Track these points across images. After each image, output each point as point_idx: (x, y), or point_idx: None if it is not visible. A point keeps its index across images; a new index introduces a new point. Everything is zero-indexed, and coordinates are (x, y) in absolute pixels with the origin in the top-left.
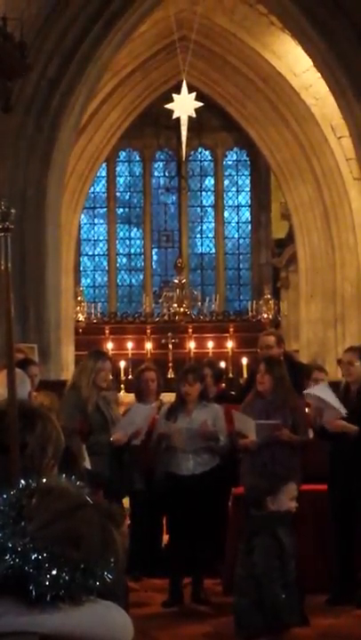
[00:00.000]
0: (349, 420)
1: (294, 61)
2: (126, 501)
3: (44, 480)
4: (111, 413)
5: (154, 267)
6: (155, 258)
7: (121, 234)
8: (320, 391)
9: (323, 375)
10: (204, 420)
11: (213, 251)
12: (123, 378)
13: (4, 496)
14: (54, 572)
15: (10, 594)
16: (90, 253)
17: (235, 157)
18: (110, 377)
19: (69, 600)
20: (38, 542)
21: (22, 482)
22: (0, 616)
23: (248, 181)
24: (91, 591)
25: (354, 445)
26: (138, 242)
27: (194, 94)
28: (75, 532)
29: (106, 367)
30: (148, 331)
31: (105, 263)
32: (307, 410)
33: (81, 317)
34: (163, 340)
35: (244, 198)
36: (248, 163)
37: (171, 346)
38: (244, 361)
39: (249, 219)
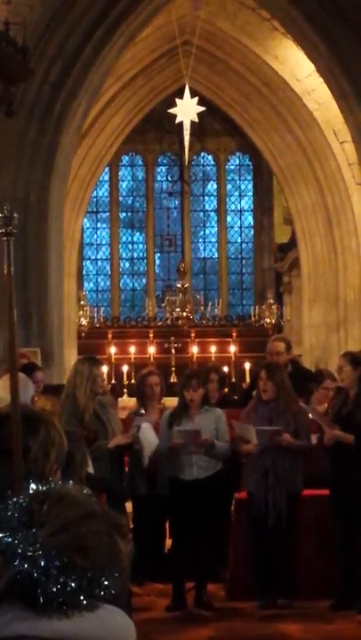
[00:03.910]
0: (345, 426)
1: (297, 66)
2: (129, 506)
3: (56, 487)
4: (109, 417)
5: (156, 271)
6: (157, 262)
7: (123, 238)
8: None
9: (332, 384)
10: (205, 424)
11: (216, 255)
12: (125, 382)
13: (14, 499)
14: (62, 580)
15: (17, 599)
16: (92, 258)
17: (237, 162)
18: (105, 382)
19: (75, 607)
20: (47, 549)
21: (33, 486)
22: (7, 621)
23: (250, 186)
24: (96, 599)
25: (355, 450)
26: (140, 246)
27: (196, 99)
28: (83, 541)
29: (101, 373)
30: (151, 335)
31: (108, 267)
32: (310, 415)
33: (84, 322)
34: (165, 345)
35: (247, 203)
36: (250, 167)
37: (173, 350)
38: (247, 366)
39: (251, 223)
